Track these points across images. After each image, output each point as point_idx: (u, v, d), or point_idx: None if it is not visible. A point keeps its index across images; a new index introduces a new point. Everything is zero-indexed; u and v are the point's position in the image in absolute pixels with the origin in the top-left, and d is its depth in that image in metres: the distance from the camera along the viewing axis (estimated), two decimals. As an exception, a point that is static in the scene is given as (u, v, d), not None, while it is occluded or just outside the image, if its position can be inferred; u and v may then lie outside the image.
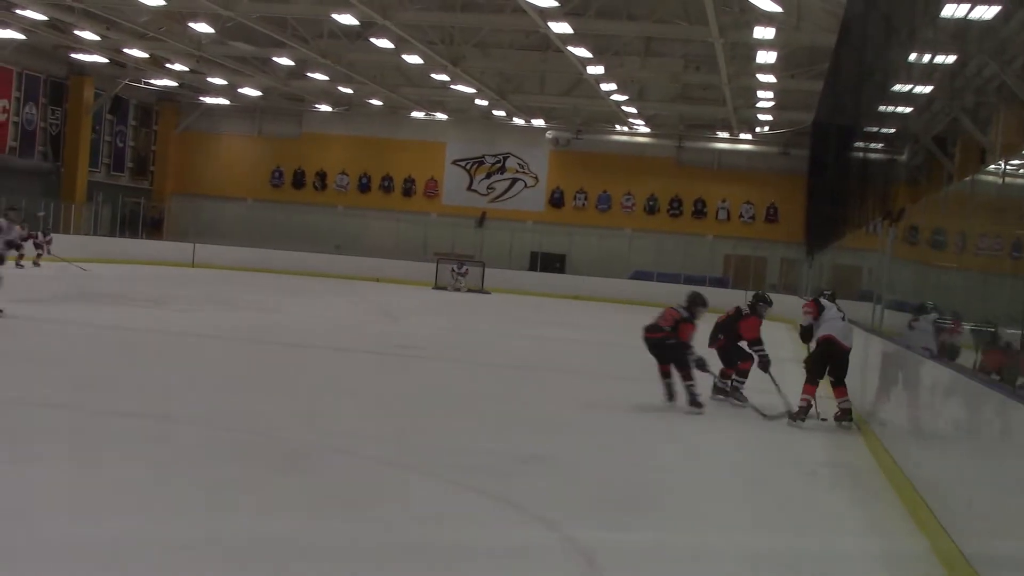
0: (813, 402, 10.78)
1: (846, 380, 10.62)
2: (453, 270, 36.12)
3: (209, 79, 36.81)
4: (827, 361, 10.74)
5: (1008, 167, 6.46)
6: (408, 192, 42.76)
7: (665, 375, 11.36)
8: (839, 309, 11.04)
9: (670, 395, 11.32)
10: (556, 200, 41.69)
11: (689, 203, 40.60)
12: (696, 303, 11.37)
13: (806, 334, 11.11)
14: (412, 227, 41.50)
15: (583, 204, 41.43)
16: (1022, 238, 5.88)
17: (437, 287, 36.05)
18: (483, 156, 42.45)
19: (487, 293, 35.25)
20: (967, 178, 8.49)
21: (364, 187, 43.09)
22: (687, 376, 11.13)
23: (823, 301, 11.14)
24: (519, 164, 42.22)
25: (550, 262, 40.35)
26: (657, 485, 7.63)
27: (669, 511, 6.87)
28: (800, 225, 36.61)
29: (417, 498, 6.69)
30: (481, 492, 6.83)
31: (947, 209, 8.65)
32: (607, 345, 18.98)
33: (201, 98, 41.69)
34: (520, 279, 37.98)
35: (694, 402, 11.08)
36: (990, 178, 7.18)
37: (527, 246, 40.68)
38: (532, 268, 39.99)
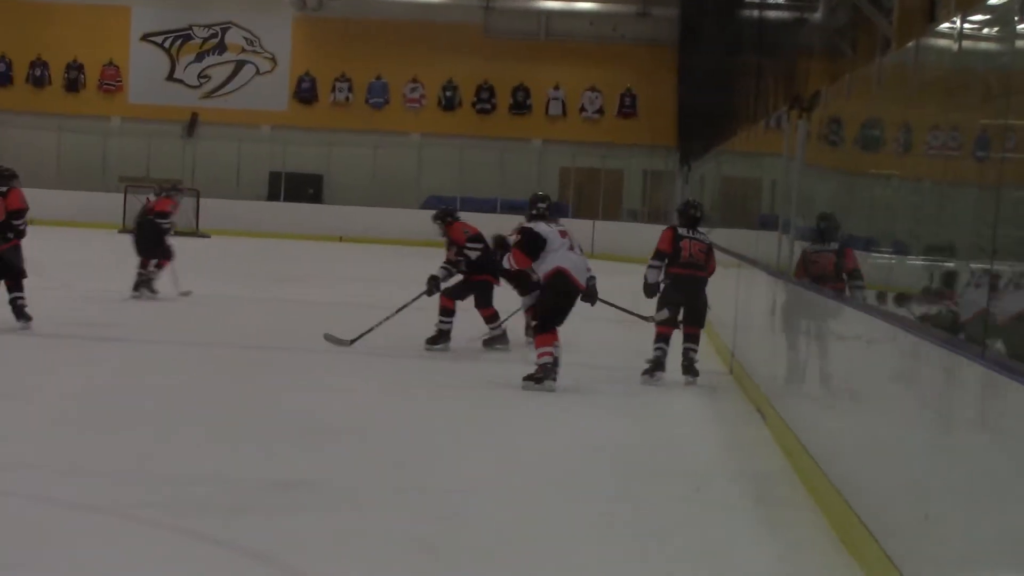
0: (556, 354, 12.11)
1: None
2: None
3: None
4: (562, 303, 12.32)
5: (967, 27, 6.62)
6: (74, 85, 41.63)
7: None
8: (562, 232, 12.47)
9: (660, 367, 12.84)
10: (305, 93, 41.30)
11: (505, 92, 40.82)
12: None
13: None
14: (83, 139, 40.52)
15: (347, 98, 41.16)
16: (988, 129, 6.04)
17: (127, 230, 35.24)
18: (190, 27, 41.70)
19: (204, 236, 34.70)
20: (910, 43, 8.69)
21: (2, 78, 41.78)
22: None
23: (536, 225, 12.51)
24: (247, 39, 41.62)
25: (299, 187, 39.99)
26: (474, 516, 7.62)
27: (492, 557, 6.86)
28: (670, 120, 37.32)
29: (115, 552, 6.50)
30: (212, 540, 6.69)
31: (882, 90, 8.85)
32: (389, 308, 18.91)
33: None
34: (254, 214, 37.60)
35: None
36: (942, 43, 7.36)
37: (263, 164, 40.20)
38: (273, 197, 39.61)
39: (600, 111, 40.64)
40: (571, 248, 12.36)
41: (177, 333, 15.60)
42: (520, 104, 40.84)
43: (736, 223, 17.30)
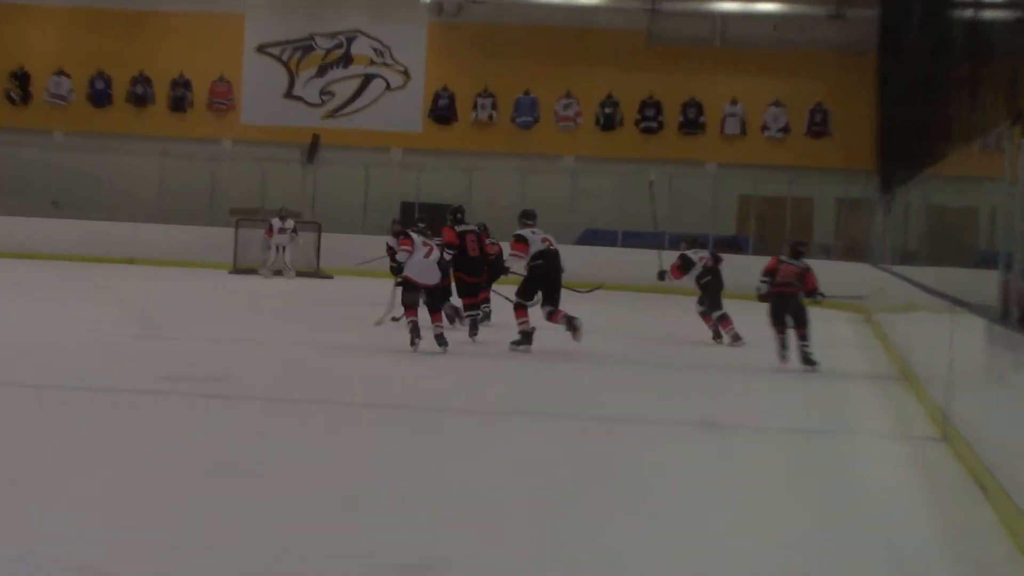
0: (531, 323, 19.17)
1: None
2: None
3: None
4: (538, 283, 19.52)
5: None
6: (180, 104, 42.31)
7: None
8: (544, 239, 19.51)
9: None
10: (442, 111, 41.61)
11: (673, 108, 40.81)
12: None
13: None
14: (189, 166, 41.14)
15: (490, 116, 41.39)
16: None
17: (238, 270, 35.74)
18: (311, 37, 42.25)
19: (327, 277, 35.02)
20: None
21: (101, 97, 42.58)
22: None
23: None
24: (376, 50, 42.05)
25: (436, 219, 40.08)
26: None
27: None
28: (869, 140, 36.96)
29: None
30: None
31: None
32: (534, 366, 18.97)
33: None
34: (384, 251, 37.78)
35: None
36: None
37: (394, 193, 40.48)
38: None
39: (786, 129, 40.39)
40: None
41: (290, 389, 15.70)
42: (691, 122, 40.73)
43: (947, 260, 17.04)
